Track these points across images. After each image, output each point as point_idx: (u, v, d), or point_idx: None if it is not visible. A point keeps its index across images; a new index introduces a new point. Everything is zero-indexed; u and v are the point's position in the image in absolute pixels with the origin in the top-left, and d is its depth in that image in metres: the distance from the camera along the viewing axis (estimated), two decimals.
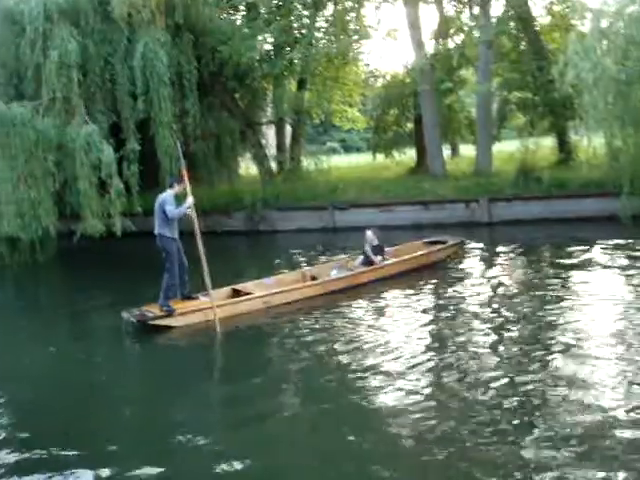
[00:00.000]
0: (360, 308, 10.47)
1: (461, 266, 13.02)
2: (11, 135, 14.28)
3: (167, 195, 10.04)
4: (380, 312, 10.28)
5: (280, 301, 10.58)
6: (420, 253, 12.59)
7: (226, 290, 10.94)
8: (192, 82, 17.47)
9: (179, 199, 10.22)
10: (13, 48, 15.97)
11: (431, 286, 11.39)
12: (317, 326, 9.46)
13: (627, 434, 5.49)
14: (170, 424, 6.50)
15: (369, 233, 12.26)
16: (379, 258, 12.02)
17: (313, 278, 11.69)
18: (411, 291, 11.05)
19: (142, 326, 9.61)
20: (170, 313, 9.77)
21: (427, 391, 6.78)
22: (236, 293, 10.88)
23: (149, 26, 16.10)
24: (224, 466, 5.49)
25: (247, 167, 24.91)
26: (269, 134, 26.14)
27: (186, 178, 10.07)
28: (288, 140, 25.57)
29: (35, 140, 14.39)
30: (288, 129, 25.86)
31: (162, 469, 5.51)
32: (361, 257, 12.35)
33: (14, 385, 8.07)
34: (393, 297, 10.99)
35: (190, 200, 9.92)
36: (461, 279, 11.82)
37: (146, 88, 15.82)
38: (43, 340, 9.87)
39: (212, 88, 19.88)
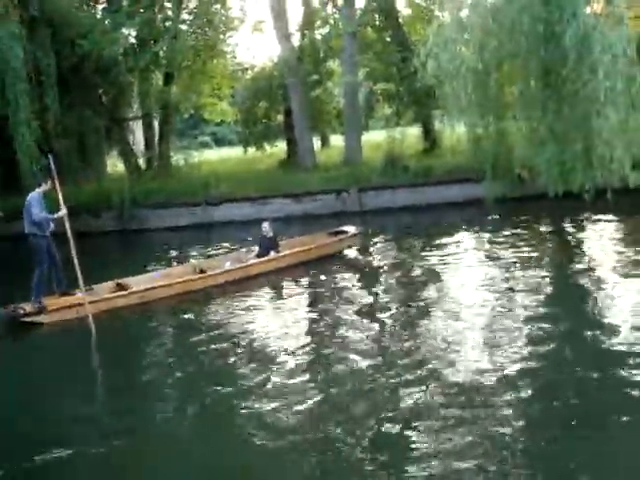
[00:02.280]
0: (244, 301, 10.34)
1: (353, 255, 13.10)
2: None
3: (34, 195, 9.87)
4: (263, 304, 10.25)
5: (162, 295, 10.49)
6: (314, 245, 12.48)
7: (110, 284, 10.82)
8: (51, 77, 16.80)
9: (47, 198, 10.06)
10: None
11: (317, 277, 11.38)
12: (196, 319, 9.49)
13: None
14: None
15: (265, 225, 12.17)
16: (272, 253, 11.94)
17: (202, 271, 11.54)
18: (300, 282, 11.16)
19: (13, 323, 9.46)
20: (41, 310, 9.64)
21: (303, 378, 6.84)
22: (120, 287, 10.73)
23: (2, 19, 15.32)
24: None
25: (114, 165, 24.16)
26: (137, 130, 25.49)
27: (58, 187, 9.75)
28: (156, 135, 25.01)
29: None
30: (156, 124, 25.29)
31: None
32: (257, 250, 12.22)
33: None
34: (281, 289, 11.05)
35: (62, 212, 9.72)
36: (345, 267, 12.03)
37: (2, 84, 15.08)
38: None
39: (73, 83, 19.11)
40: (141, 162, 23.10)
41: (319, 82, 23.55)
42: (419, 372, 6.65)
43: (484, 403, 5.87)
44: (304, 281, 11.27)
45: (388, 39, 23.20)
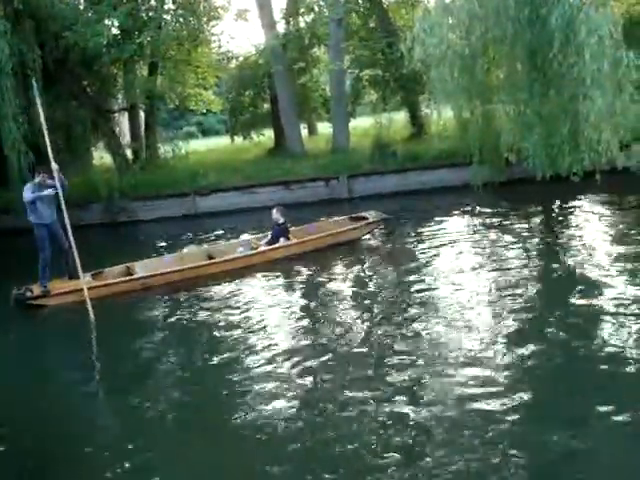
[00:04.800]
0: (253, 287, 10.48)
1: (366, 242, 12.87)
2: None
3: (27, 185, 10.70)
4: (272, 291, 10.25)
5: (169, 280, 10.77)
6: (327, 232, 12.35)
7: (120, 268, 11.26)
8: (36, 71, 16.61)
9: (40, 188, 10.48)
10: None
11: (330, 264, 11.32)
12: (200, 305, 9.65)
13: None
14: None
15: (274, 212, 12.11)
16: (282, 240, 11.89)
17: (211, 257, 11.70)
18: (311, 269, 11.03)
19: (21, 304, 10.19)
20: (45, 293, 10.31)
21: (297, 371, 6.86)
22: (129, 271, 11.13)
23: None
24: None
25: (101, 157, 24.01)
26: (122, 122, 25.33)
27: (42, 118, 10.26)
28: (142, 127, 24.87)
29: None
30: (142, 116, 25.15)
31: None
32: (268, 236, 12.20)
33: None
34: (291, 276, 11.00)
35: (48, 192, 10.34)
36: (352, 254, 11.90)
37: None
38: None
39: (59, 76, 18.97)
40: (128, 154, 22.97)
41: (305, 70, 23.51)
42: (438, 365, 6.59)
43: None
44: (314, 268, 11.07)
45: (373, 25, 23.16)
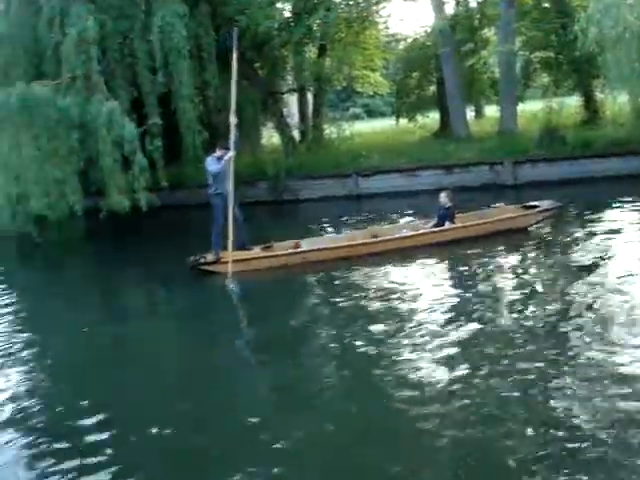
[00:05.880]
0: (415, 269, 10.56)
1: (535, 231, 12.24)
2: (34, 115, 14.29)
3: (207, 158, 11.73)
4: (431, 274, 10.22)
5: (333, 256, 11.21)
6: (494, 218, 12.02)
7: (288, 243, 11.90)
8: (211, 54, 17.36)
9: (219, 161, 11.51)
10: (31, 28, 15.94)
11: (503, 252, 11.05)
12: (360, 281, 10.00)
13: None
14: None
15: (443, 195, 12.00)
16: (447, 224, 11.79)
17: (374, 238, 11.93)
18: (471, 256, 10.76)
19: (195, 269, 11.21)
20: (217, 260, 11.17)
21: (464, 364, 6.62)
22: (297, 247, 11.72)
23: (166, 0, 15.99)
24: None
25: (270, 137, 24.82)
26: (291, 103, 26.01)
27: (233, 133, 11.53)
28: (310, 108, 25.44)
29: (57, 119, 14.34)
30: (310, 97, 25.71)
31: None
32: (433, 220, 12.19)
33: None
34: (449, 260, 10.94)
35: (230, 154, 11.40)
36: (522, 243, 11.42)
37: (165, 62, 15.75)
38: (76, 317, 10.04)
39: (231, 59, 19.69)
40: (295, 134, 23.57)
41: (473, 51, 23.02)
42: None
43: None
44: (479, 255, 10.79)
45: (547, 5, 22.28)
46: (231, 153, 11.41)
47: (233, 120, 11.56)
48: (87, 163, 15.15)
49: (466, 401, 5.71)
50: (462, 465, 4.85)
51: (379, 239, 11.69)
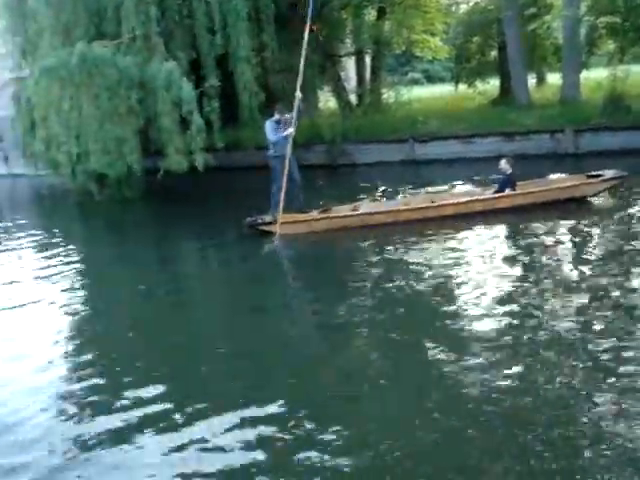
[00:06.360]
0: (473, 235, 10.48)
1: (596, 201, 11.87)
2: (94, 74, 14.50)
3: (266, 123, 12.03)
4: (490, 241, 10.11)
5: (384, 220, 11.25)
6: (557, 185, 11.83)
7: (346, 207, 11.98)
8: (269, 15, 17.24)
9: (278, 124, 11.95)
10: None
11: (560, 221, 10.75)
12: (419, 246, 9.98)
13: None
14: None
15: (503, 162, 11.80)
16: (507, 191, 11.61)
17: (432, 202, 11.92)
18: (537, 223, 10.58)
19: (253, 228, 11.45)
20: (274, 221, 11.31)
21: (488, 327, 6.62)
22: (355, 210, 11.86)
23: None
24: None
25: (327, 100, 24.68)
26: (349, 66, 25.79)
27: (296, 107, 11.63)
28: (368, 72, 25.18)
29: (117, 79, 14.52)
30: (368, 61, 25.43)
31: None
32: (493, 187, 12.04)
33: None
34: (508, 228, 10.83)
35: (290, 130, 11.56)
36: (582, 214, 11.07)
37: (224, 23, 15.75)
38: (133, 274, 10.35)
39: (289, 21, 19.62)
40: (352, 98, 23.39)
41: (536, 16, 22.38)
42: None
43: None
44: (539, 222, 10.59)
45: None
46: (291, 129, 11.54)
47: (298, 94, 11.58)
48: (146, 123, 15.33)
49: (538, 366, 5.75)
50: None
51: (437, 204, 11.62)
